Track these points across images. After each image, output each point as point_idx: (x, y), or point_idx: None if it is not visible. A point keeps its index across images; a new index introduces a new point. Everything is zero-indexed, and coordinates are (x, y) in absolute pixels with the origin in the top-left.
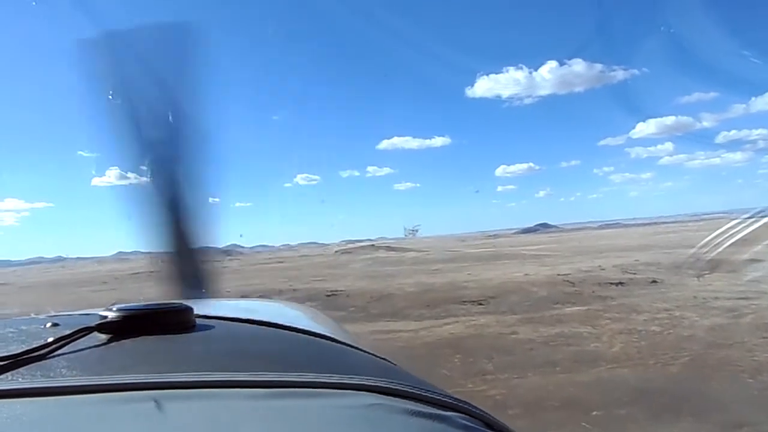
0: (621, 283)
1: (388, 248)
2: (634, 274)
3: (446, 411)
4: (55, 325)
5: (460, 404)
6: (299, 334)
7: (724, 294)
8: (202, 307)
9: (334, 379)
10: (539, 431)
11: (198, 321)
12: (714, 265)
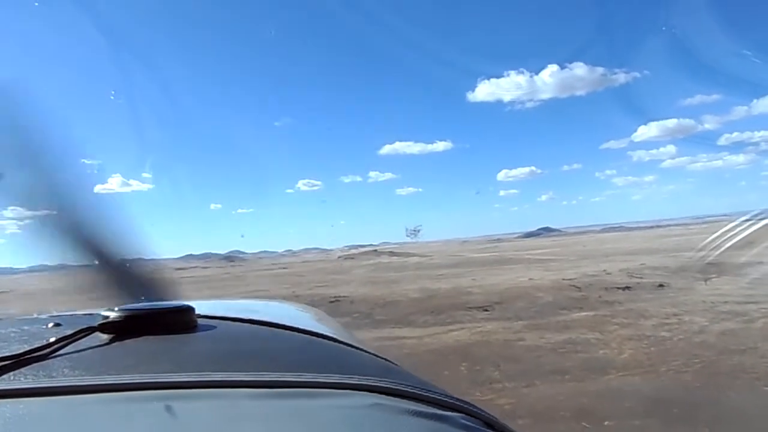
0: (628, 288)
1: (391, 253)
2: (641, 278)
3: (447, 411)
4: (57, 325)
5: (461, 404)
6: (301, 334)
7: (732, 298)
8: (203, 307)
9: (336, 379)
10: None
11: (200, 321)
12: (721, 269)
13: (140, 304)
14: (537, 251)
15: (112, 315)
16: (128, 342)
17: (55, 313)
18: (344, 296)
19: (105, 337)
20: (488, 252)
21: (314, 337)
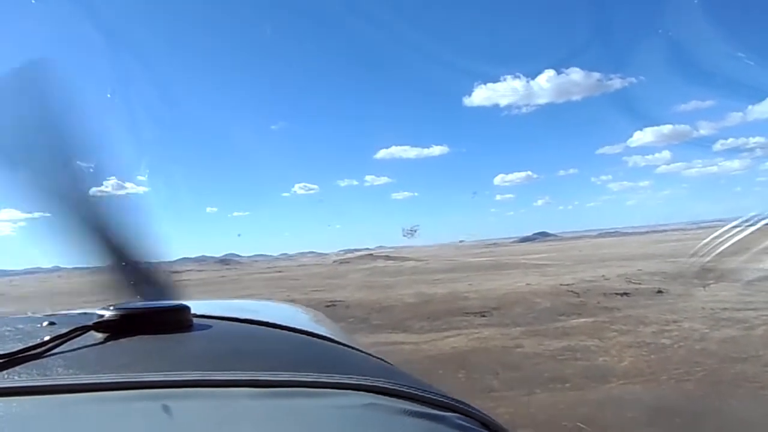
0: (626, 294)
1: (387, 257)
2: (639, 283)
3: (443, 411)
4: (51, 323)
5: (457, 404)
6: (296, 333)
7: (732, 304)
8: (199, 307)
9: (331, 378)
10: None
11: (195, 320)
12: (719, 274)
13: (135, 303)
14: (533, 256)
15: (107, 314)
16: (123, 341)
17: (50, 312)
18: (340, 301)
19: (100, 336)
20: (485, 256)
21: (310, 337)
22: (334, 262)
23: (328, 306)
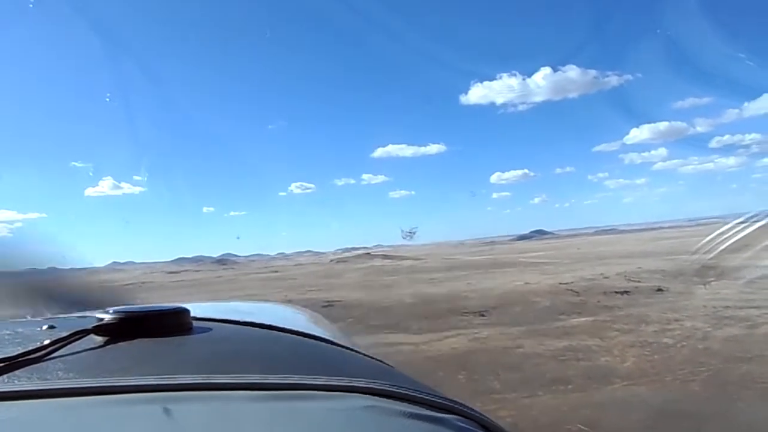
0: (626, 292)
1: (384, 256)
2: (639, 282)
3: (442, 413)
4: (51, 327)
5: (456, 406)
6: (296, 336)
7: (734, 303)
8: (199, 310)
9: (330, 381)
10: None
11: (195, 323)
12: (719, 272)
13: (135, 306)
14: (531, 254)
15: (107, 317)
16: (123, 344)
17: (50, 316)
18: (337, 301)
19: (99, 339)
20: (482, 255)
21: (309, 339)
22: (331, 261)
23: (325, 306)
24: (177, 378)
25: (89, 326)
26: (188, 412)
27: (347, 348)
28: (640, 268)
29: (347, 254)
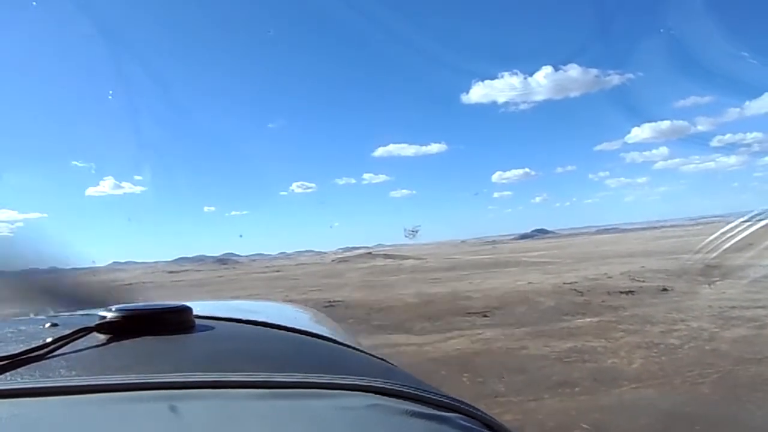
0: (631, 292)
1: (386, 256)
2: (643, 281)
3: (445, 411)
4: (54, 325)
5: (459, 404)
6: (298, 334)
7: (740, 302)
8: (201, 308)
9: (333, 379)
10: None
11: (197, 321)
12: (724, 271)
13: (138, 304)
14: (533, 253)
15: (110, 315)
16: (125, 342)
17: (53, 313)
18: (339, 301)
19: (102, 337)
20: (484, 254)
21: (312, 338)
22: (333, 260)
23: (326, 306)
24: (179, 376)
25: (92, 324)
26: (191, 410)
27: (350, 347)
28: (643, 267)
29: (348, 254)
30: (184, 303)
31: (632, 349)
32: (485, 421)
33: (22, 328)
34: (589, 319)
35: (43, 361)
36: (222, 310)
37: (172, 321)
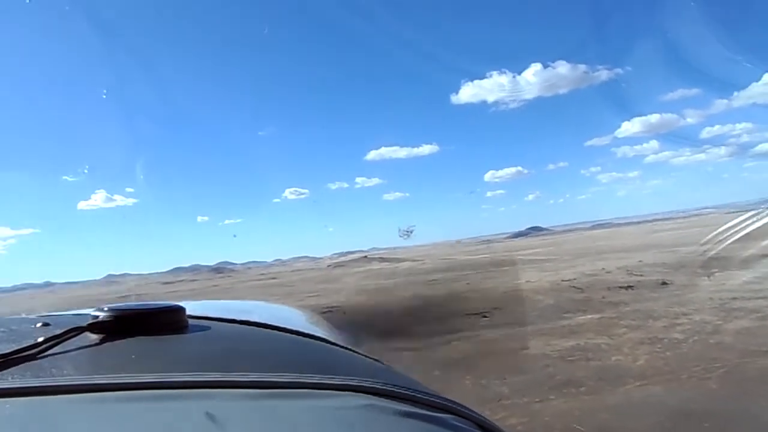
0: (630, 287)
1: (382, 259)
2: (641, 276)
3: (438, 412)
4: (46, 324)
5: (452, 405)
6: (292, 335)
7: (741, 294)
8: (194, 308)
9: (327, 380)
10: None
11: (191, 321)
12: (722, 263)
13: (130, 304)
14: (529, 251)
15: (102, 315)
16: (118, 342)
17: (44, 313)
18: (336, 306)
19: (94, 337)
20: (479, 254)
21: (305, 338)
22: (329, 266)
23: (324, 312)
24: (172, 376)
25: (84, 324)
26: (183, 410)
27: (343, 347)
28: (641, 261)
29: (344, 258)
30: (176, 303)
31: (636, 345)
32: (478, 421)
33: (14, 327)
34: (590, 316)
35: (35, 361)
36: (215, 311)
37: (165, 321)
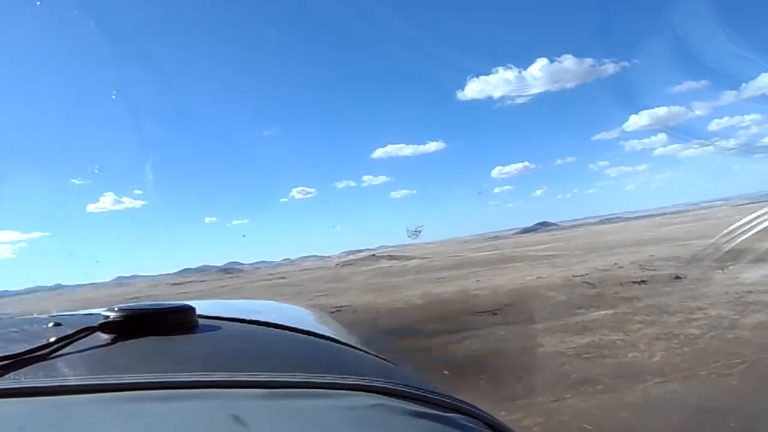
0: (643, 282)
1: (390, 257)
2: (654, 270)
3: (447, 412)
4: (57, 324)
5: (461, 405)
6: (301, 334)
7: (757, 287)
8: (204, 308)
9: (336, 379)
10: None
11: (200, 321)
12: (734, 256)
13: (141, 303)
14: (538, 247)
15: (113, 315)
16: (129, 342)
17: (56, 313)
18: (346, 305)
19: (105, 337)
20: (488, 250)
21: (315, 338)
22: (337, 264)
23: (333, 311)
24: (183, 375)
25: (95, 324)
26: (194, 409)
27: (353, 347)
28: (652, 255)
29: (352, 257)
30: (187, 303)
31: (652, 341)
32: (487, 421)
33: (26, 327)
34: (603, 312)
35: (47, 361)
36: (224, 310)
37: (175, 321)
